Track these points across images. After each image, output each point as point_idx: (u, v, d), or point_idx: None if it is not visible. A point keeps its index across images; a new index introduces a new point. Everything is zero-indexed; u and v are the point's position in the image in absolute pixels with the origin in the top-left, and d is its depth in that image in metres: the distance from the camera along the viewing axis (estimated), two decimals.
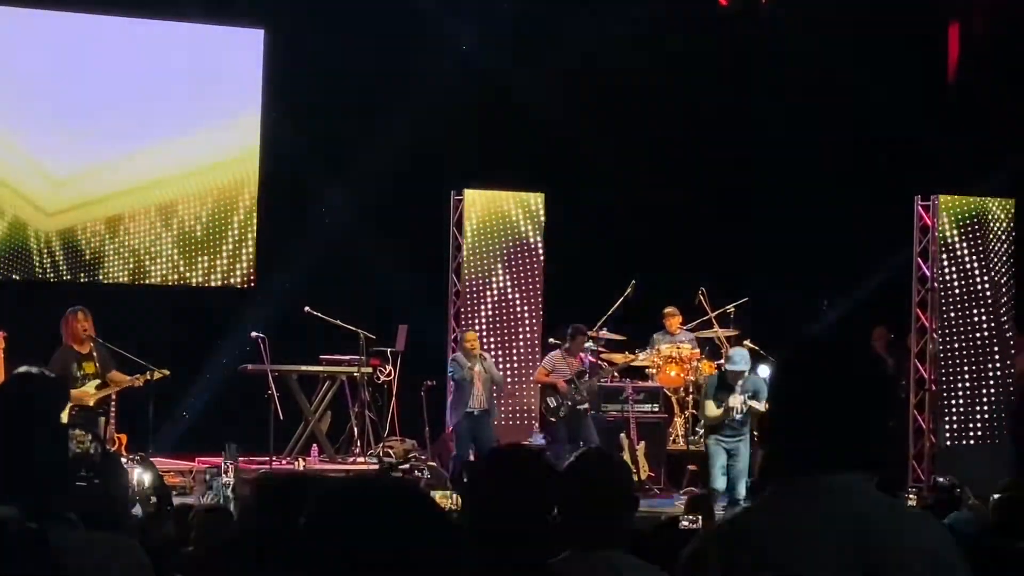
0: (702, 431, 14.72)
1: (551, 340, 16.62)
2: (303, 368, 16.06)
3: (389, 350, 16.36)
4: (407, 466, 14.29)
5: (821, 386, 2.83)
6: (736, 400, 13.33)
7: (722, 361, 14.75)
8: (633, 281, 16.00)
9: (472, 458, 14.12)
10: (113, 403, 12.96)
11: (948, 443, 15.49)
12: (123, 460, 12.32)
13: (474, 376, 14.46)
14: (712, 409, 13.59)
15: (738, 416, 13.36)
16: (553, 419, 14.99)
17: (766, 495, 2.86)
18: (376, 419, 16.22)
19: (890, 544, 2.68)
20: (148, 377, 13.01)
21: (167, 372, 13.17)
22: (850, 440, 2.78)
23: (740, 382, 13.38)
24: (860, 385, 2.83)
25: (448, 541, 2.09)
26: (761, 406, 13.16)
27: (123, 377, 13.01)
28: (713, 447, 13.57)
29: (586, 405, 15.03)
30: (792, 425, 2.86)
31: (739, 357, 13.58)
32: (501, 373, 15.47)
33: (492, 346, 16.71)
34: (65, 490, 3.27)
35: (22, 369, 3.50)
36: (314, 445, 15.89)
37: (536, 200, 16.89)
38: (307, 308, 15.57)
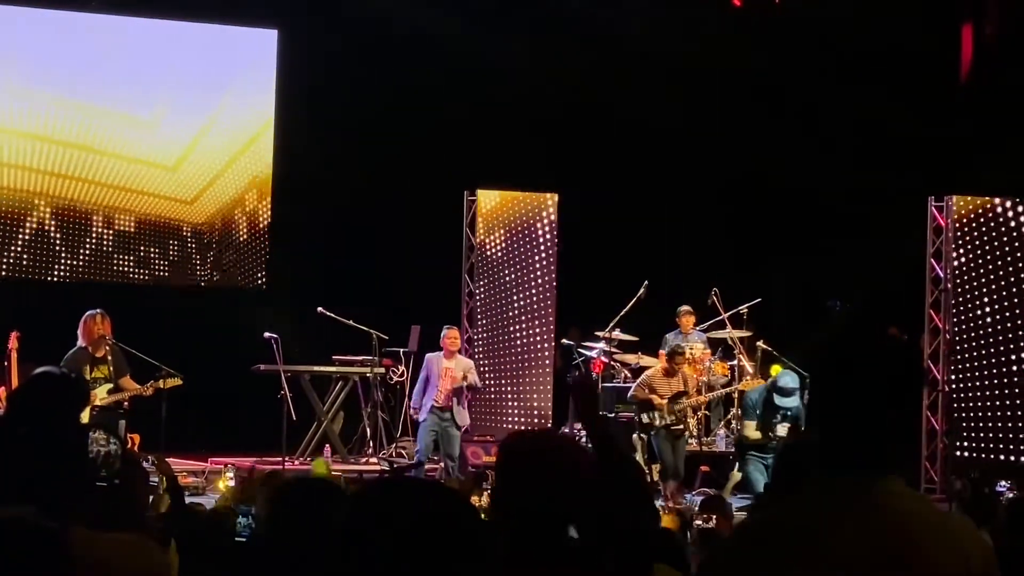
0: (734, 447, 14.32)
1: (564, 341, 16.62)
2: (316, 368, 16.06)
3: (402, 350, 16.37)
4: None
5: (860, 388, 2.83)
6: (783, 430, 12.82)
7: (769, 383, 13.89)
8: (646, 282, 15.97)
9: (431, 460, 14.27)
10: (126, 402, 12.96)
11: (960, 445, 15.46)
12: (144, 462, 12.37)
13: (443, 372, 14.35)
14: (752, 431, 13.12)
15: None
16: (644, 436, 14.58)
17: (803, 494, 2.86)
18: (389, 419, 16.23)
19: (929, 553, 2.69)
20: (160, 385, 13.00)
21: (180, 381, 13.14)
22: (886, 442, 2.79)
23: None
24: (899, 388, 2.83)
25: (479, 538, 2.09)
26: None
27: (134, 385, 13.00)
28: (752, 472, 12.98)
29: (680, 426, 14.59)
30: (830, 426, 2.86)
31: (791, 389, 12.89)
32: (482, 377, 15.28)
33: (505, 346, 16.72)
34: (85, 490, 3.27)
35: (43, 369, 3.49)
36: (327, 445, 15.91)
37: (550, 200, 16.89)
38: (320, 308, 15.57)
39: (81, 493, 3.25)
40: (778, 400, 12.89)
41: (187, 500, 9.62)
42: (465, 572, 2.06)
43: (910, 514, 2.73)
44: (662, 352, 15.52)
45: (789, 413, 12.90)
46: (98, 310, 12.90)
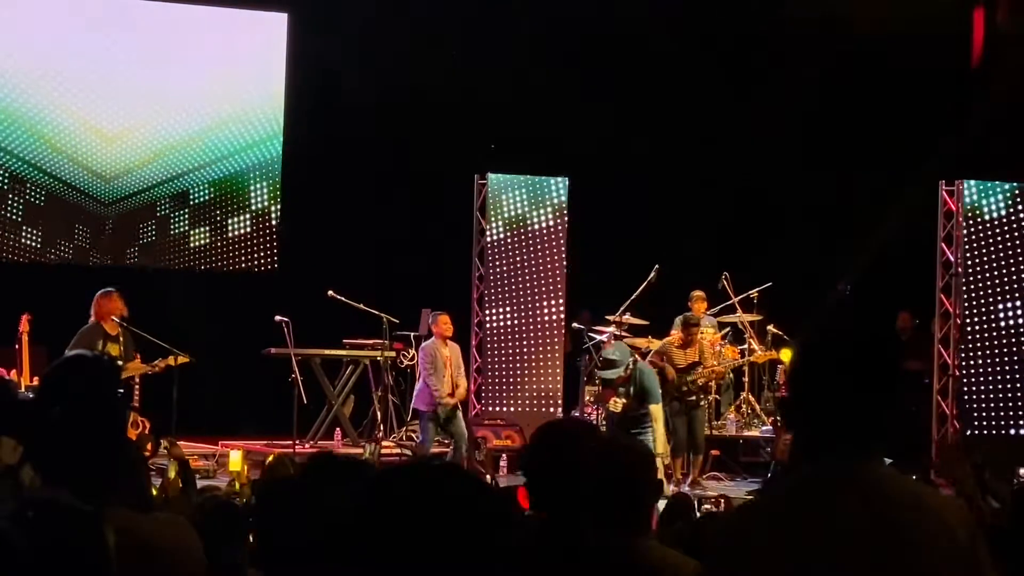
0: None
1: (574, 325, 16.61)
2: (326, 352, 16.07)
3: (412, 334, 16.36)
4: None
5: (841, 373, 2.84)
6: (617, 405, 13.13)
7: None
8: (656, 266, 15.95)
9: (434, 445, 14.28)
10: (137, 386, 12.99)
11: (971, 429, 15.45)
12: (149, 444, 12.41)
13: (445, 361, 14.33)
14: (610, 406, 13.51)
15: (627, 412, 13.10)
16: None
17: (795, 479, 2.88)
18: (399, 403, 16.24)
19: (915, 533, 2.70)
20: (170, 362, 13.02)
21: (188, 358, 13.16)
22: (870, 425, 2.80)
23: (621, 384, 13.18)
24: (876, 370, 2.84)
25: (497, 520, 2.10)
26: (654, 406, 13.01)
27: (141, 365, 13.03)
28: None
29: (693, 398, 14.62)
30: (814, 411, 2.87)
31: (617, 358, 13.17)
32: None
33: (515, 330, 16.72)
34: (120, 473, 3.28)
35: (76, 351, 3.51)
36: (337, 429, 15.93)
37: (559, 184, 16.88)
38: (330, 292, 15.56)
39: (118, 475, 3.26)
40: (601, 374, 13.26)
41: (198, 483, 9.67)
42: (486, 555, 2.07)
43: (893, 491, 2.76)
44: (673, 332, 15.54)
45: (619, 388, 13.18)
46: (112, 288, 12.94)
